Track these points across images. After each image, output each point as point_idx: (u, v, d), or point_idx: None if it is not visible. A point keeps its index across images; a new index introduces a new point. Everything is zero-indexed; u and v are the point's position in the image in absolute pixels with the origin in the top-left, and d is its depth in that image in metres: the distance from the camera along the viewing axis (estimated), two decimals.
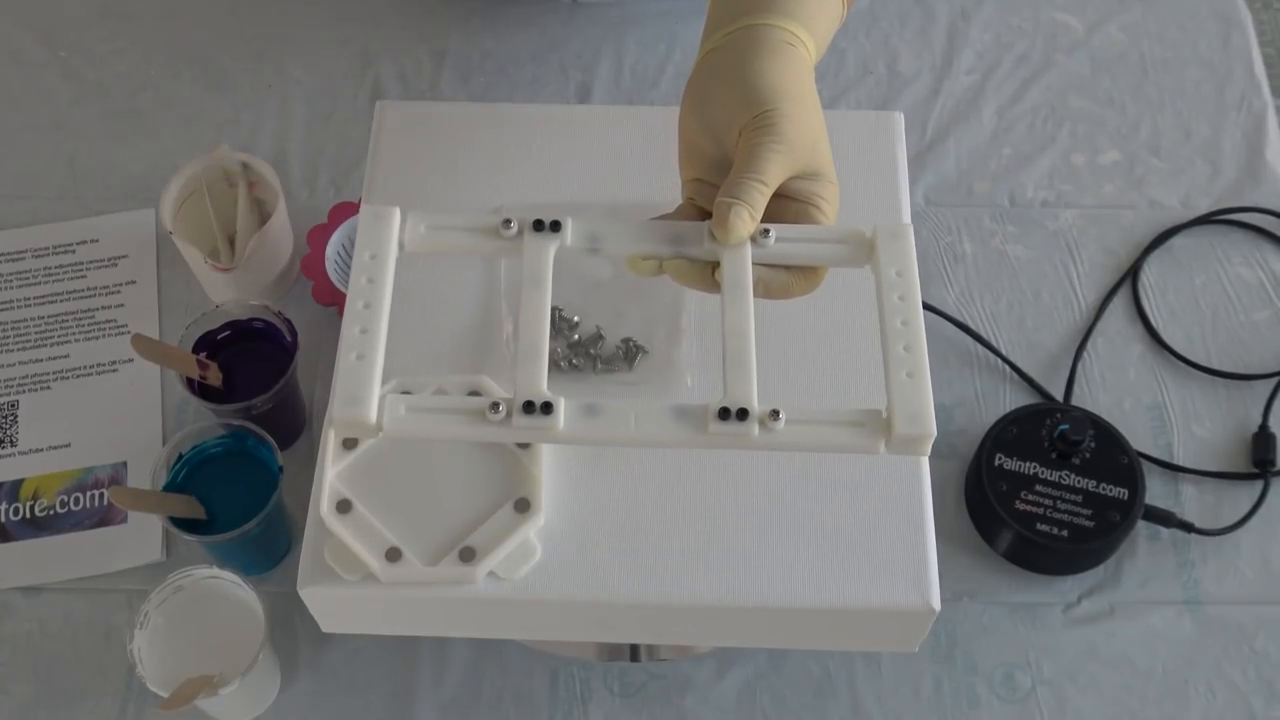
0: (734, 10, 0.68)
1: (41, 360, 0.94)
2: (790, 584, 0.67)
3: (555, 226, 0.62)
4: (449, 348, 0.74)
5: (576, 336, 0.74)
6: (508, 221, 0.62)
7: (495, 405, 0.57)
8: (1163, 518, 0.86)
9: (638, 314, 0.75)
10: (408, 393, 0.71)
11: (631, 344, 0.74)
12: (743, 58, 0.66)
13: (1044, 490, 0.85)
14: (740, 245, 0.62)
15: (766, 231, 0.62)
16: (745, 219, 0.61)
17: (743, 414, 0.57)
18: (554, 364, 0.73)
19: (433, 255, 0.74)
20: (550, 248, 0.62)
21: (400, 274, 0.75)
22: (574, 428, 0.58)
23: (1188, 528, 0.87)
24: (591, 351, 0.74)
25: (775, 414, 0.57)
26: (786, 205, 0.64)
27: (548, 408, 0.57)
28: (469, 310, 0.75)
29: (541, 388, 0.58)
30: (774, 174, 0.62)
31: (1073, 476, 0.85)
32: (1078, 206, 1.01)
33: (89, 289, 0.97)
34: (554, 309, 0.75)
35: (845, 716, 0.82)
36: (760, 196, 0.62)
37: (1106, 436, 0.87)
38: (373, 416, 0.57)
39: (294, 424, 0.90)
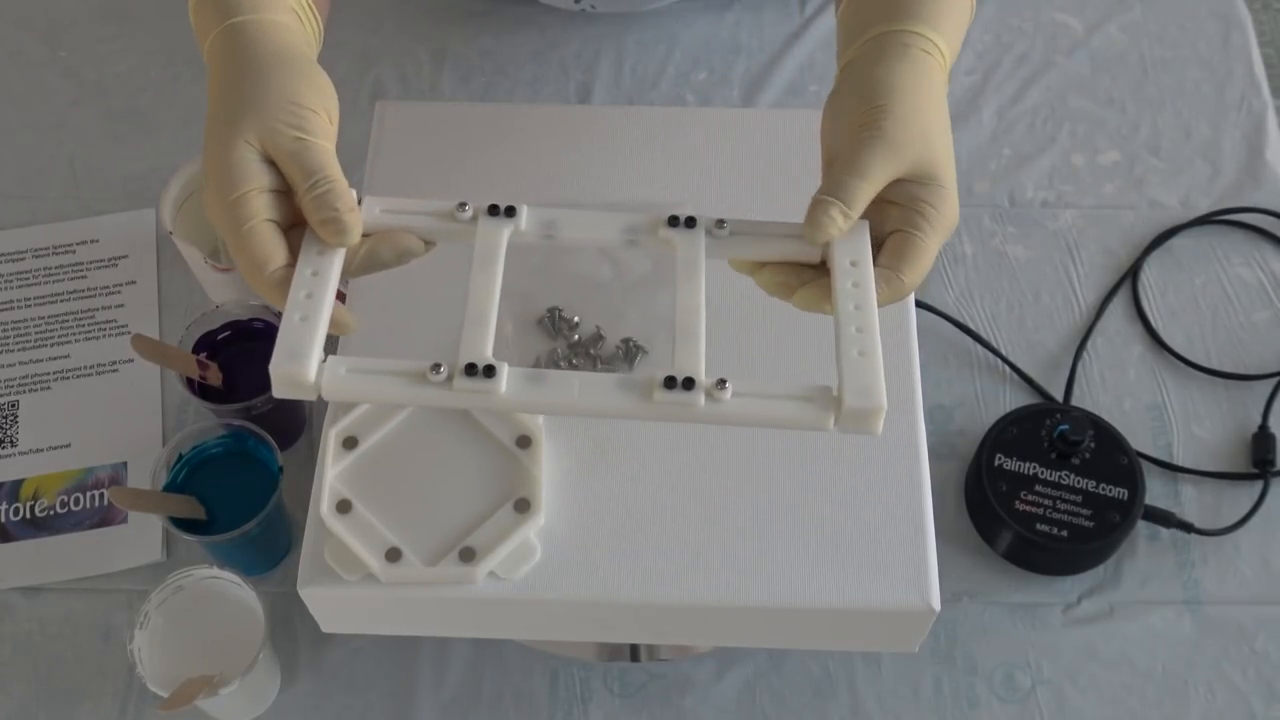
0: (864, 21, 0.67)
1: (41, 360, 0.94)
2: (790, 584, 0.67)
3: (510, 212, 0.62)
4: (447, 348, 0.74)
5: (576, 336, 0.74)
6: (463, 205, 0.62)
7: (437, 366, 0.57)
8: (1163, 518, 0.86)
9: (638, 314, 0.75)
10: None
11: (631, 344, 0.74)
12: (868, 64, 0.64)
13: (1044, 490, 0.85)
14: (694, 234, 0.62)
15: (722, 384, 0.58)
16: (835, 218, 0.60)
17: (689, 383, 0.57)
18: (554, 364, 0.73)
19: (431, 257, 0.74)
20: (504, 232, 0.62)
21: (397, 275, 0.75)
22: (516, 393, 0.57)
23: (1187, 528, 0.87)
24: (591, 351, 0.74)
25: (722, 384, 0.57)
26: (887, 210, 0.62)
27: (490, 370, 0.57)
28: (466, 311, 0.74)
29: (485, 352, 0.58)
30: (875, 171, 0.60)
31: (1072, 477, 0.85)
32: (1078, 206, 1.01)
33: (89, 289, 0.97)
34: (554, 309, 0.75)
35: (845, 716, 0.82)
36: (858, 194, 0.60)
37: (1106, 437, 0.87)
38: (311, 375, 0.57)
39: (294, 424, 0.90)
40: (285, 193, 0.62)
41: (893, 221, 0.62)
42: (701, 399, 0.57)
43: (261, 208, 0.61)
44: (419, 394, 0.57)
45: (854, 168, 0.60)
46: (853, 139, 0.62)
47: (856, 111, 0.62)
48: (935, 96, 0.64)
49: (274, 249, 0.60)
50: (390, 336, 0.74)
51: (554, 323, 0.75)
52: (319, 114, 0.63)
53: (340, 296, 0.82)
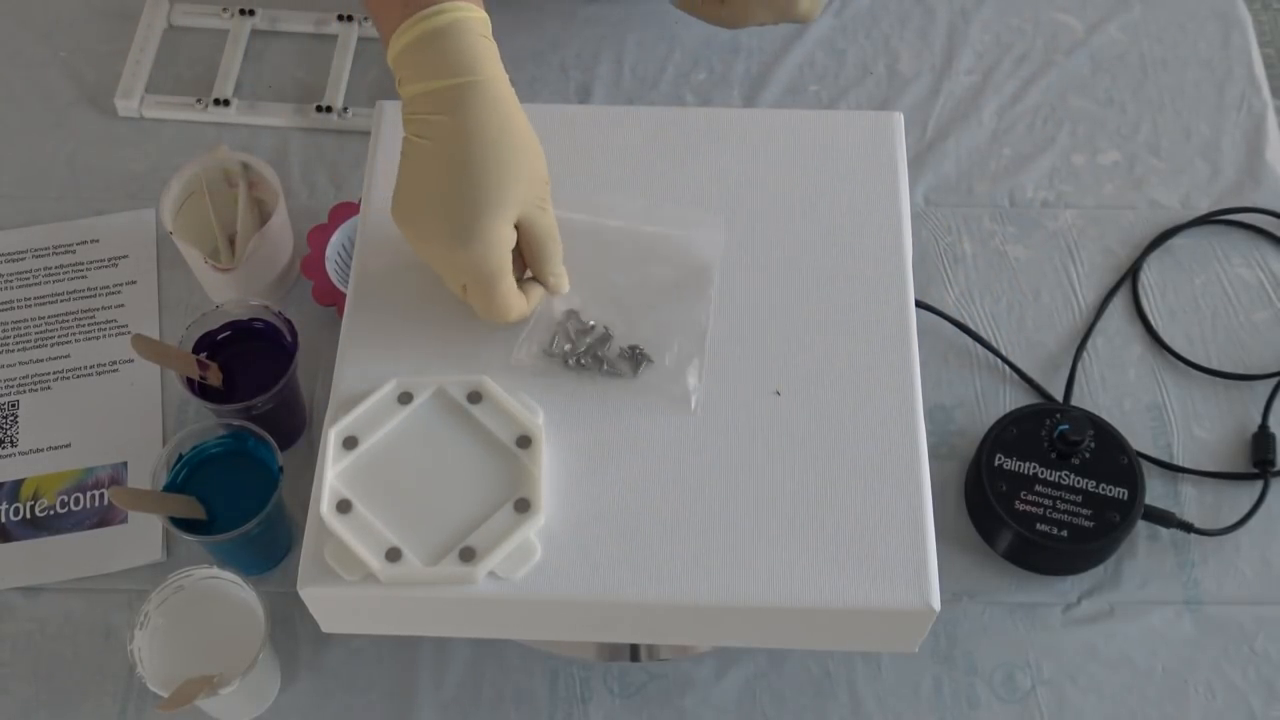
0: None
1: (42, 360, 0.94)
2: (790, 584, 0.67)
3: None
4: (449, 348, 0.74)
5: (588, 341, 0.73)
6: None
7: None
8: (1162, 518, 0.86)
9: (651, 324, 0.74)
10: (408, 393, 0.71)
11: (638, 351, 0.73)
12: None
13: (1044, 490, 0.85)
14: None
15: None
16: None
17: None
18: (562, 361, 0.73)
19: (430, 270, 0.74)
20: None
21: (401, 274, 0.75)
22: None
23: (1187, 528, 0.87)
24: (599, 353, 0.73)
25: None
26: None
27: None
28: (469, 310, 0.74)
29: None
30: None
31: (1072, 476, 0.85)
32: (1078, 206, 1.01)
33: (89, 289, 0.97)
34: (571, 311, 0.74)
35: (845, 716, 0.82)
36: None
37: (1106, 436, 0.87)
38: None
39: (294, 424, 0.90)
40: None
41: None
42: None
43: (510, 268, 0.71)
44: None
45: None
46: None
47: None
48: None
49: (520, 302, 0.72)
50: (393, 342, 0.74)
51: (570, 325, 0.74)
52: (546, 192, 0.72)
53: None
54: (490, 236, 0.69)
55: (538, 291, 0.74)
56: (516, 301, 0.72)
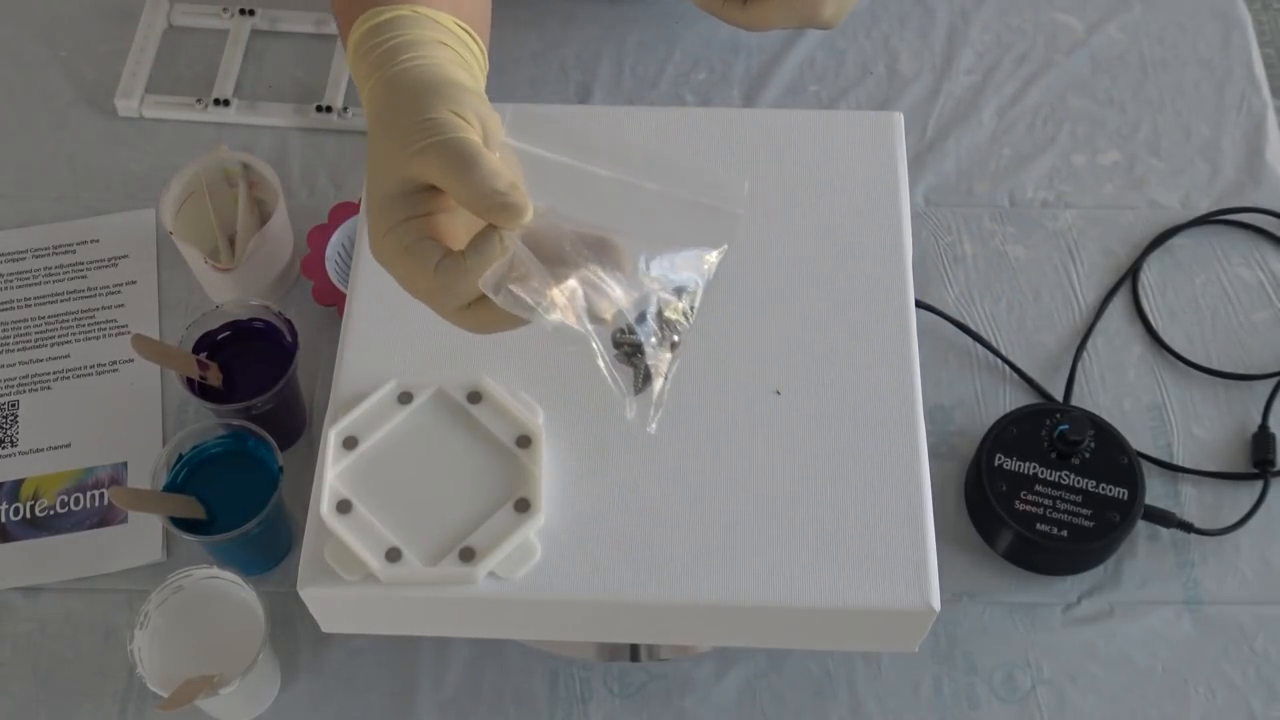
0: None
1: (42, 360, 0.94)
2: (790, 584, 0.67)
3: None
4: (449, 348, 0.74)
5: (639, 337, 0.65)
6: None
7: None
8: (1162, 518, 0.86)
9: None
10: (408, 393, 0.71)
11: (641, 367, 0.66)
12: None
13: (1044, 490, 0.85)
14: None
15: None
16: None
17: None
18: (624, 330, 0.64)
19: None
20: None
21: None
22: None
23: (1187, 528, 0.87)
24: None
25: None
26: None
27: None
28: None
29: None
30: None
31: (1072, 476, 0.85)
32: (1078, 206, 1.01)
33: (89, 289, 0.97)
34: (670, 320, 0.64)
35: (845, 716, 0.82)
36: None
37: (1106, 436, 0.87)
38: None
39: (294, 424, 0.90)
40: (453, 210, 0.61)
41: None
42: None
43: (410, 231, 0.59)
44: None
45: None
46: None
47: None
48: None
49: (429, 250, 0.58)
50: (393, 342, 0.74)
51: (662, 324, 0.63)
52: (450, 117, 0.60)
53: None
54: (366, 211, 0.62)
55: (486, 242, 0.58)
56: (422, 253, 0.59)
